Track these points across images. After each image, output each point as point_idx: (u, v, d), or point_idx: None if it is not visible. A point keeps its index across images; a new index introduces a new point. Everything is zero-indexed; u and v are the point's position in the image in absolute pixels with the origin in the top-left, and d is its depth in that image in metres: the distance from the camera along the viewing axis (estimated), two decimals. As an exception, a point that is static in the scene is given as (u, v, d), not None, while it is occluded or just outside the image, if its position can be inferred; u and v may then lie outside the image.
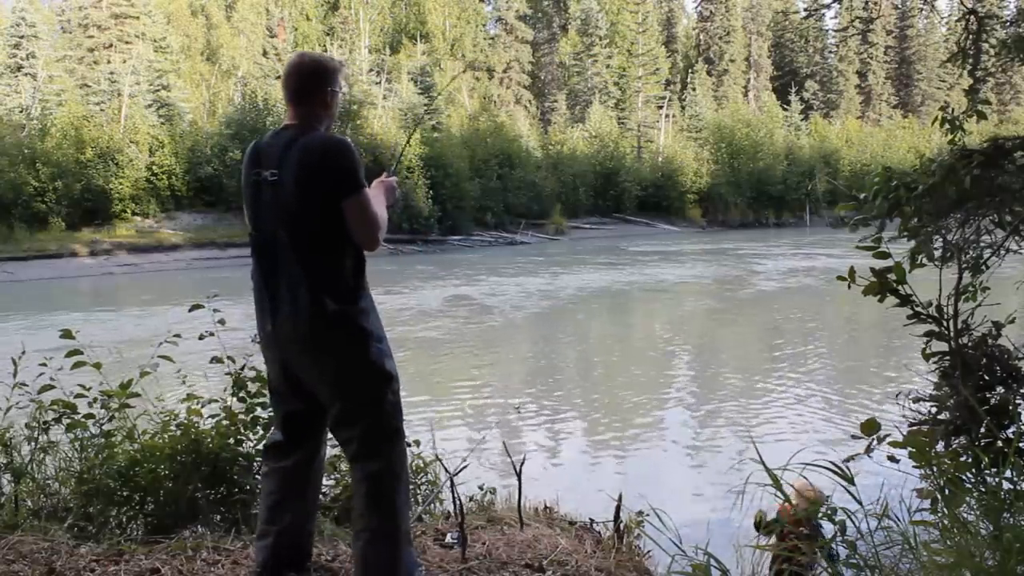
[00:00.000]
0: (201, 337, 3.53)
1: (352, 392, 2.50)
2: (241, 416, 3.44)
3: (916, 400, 3.12)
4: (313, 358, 2.48)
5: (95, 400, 3.44)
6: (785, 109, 60.36)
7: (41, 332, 13.24)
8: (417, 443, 3.78)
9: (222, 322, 3.48)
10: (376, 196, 2.66)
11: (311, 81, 2.55)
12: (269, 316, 2.50)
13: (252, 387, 3.46)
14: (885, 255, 2.85)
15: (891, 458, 2.42)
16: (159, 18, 44.85)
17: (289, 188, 2.42)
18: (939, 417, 3.01)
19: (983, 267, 3.07)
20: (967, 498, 2.21)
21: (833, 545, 2.20)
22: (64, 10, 42.91)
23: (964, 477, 2.41)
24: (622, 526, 3.48)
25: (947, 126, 3.31)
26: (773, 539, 3.05)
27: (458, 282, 22.93)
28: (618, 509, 3.50)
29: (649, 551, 3.42)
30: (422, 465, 3.80)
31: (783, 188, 50.69)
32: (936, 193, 2.95)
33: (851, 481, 2.23)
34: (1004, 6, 46.22)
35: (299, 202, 2.41)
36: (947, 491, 2.26)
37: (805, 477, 2.24)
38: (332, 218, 2.42)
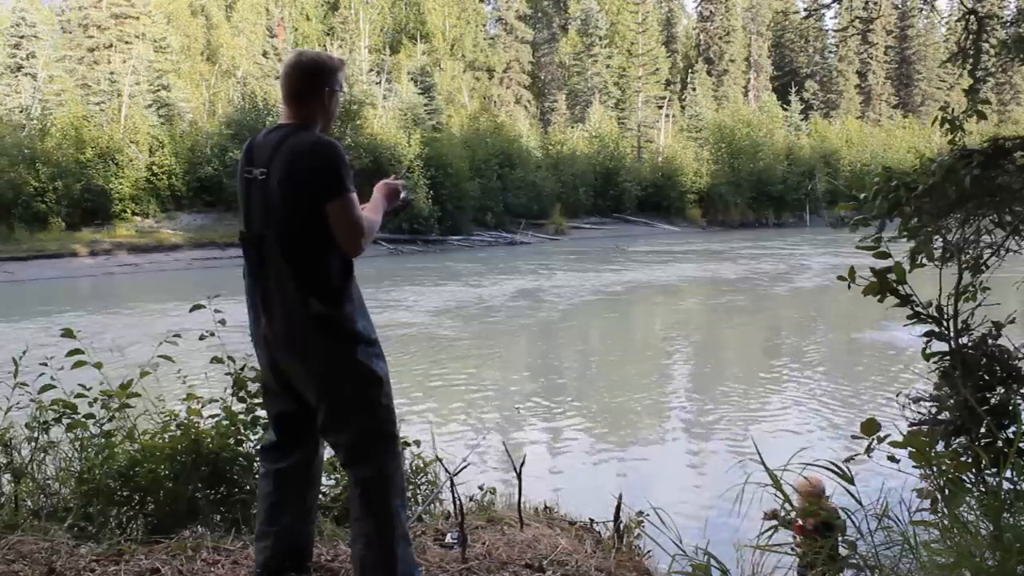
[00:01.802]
0: (201, 337, 3.53)
1: (337, 394, 2.47)
2: (241, 416, 3.44)
3: (916, 400, 3.12)
4: (300, 359, 2.46)
5: (95, 400, 3.43)
6: (785, 109, 60.37)
7: (41, 332, 13.24)
8: (417, 443, 3.79)
9: (223, 322, 3.48)
10: (374, 200, 2.64)
11: (308, 80, 2.50)
12: (259, 315, 2.49)
13: (252, 387, 3.46)
14: (885, 255, 2.85)
15: (891, 458, 2.42)
16: (159, 18, 44.83)
17: (275, 189, 2.40)
18: (939, 417, 3.01)
19: (983, 267, 3.06)
20: (967, 498, 2.21)
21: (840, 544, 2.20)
22: (64, 10, 42.87)
23: (964, 477, 2.41)
24: (622, 526, 3.48)
25: (947, 126, 3.31)
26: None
27: (458, 282, 22.93)
28: (618, 509, 3.50)
29: (649, 551, 3.42)
30: (422, 465, 3.80)
31: (783, 188, 50.64)
32: (936, 193, 2.95)
33: (851, 481, 2.24)
34: (1004, 6, 46.16)
35: (285, 203, 2.39)
36: (947, 491, 2.26)
37: (824, 470, 2.25)
38: (318, 220, 2.39)
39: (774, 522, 2.32)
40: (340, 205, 2.37)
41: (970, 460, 2.56)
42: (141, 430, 3.44)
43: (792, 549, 2.35)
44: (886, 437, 2.47)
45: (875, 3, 66.58)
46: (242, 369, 3.49)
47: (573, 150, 46.49)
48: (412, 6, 61.04)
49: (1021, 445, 2.11)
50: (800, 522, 2.92)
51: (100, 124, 32.52)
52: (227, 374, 3.52)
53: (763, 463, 2.14)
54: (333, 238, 2.41)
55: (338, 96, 2.57)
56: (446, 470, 3.60)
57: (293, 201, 2.39)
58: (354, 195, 2.41)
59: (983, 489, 2.26)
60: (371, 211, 2.58)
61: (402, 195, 2.73)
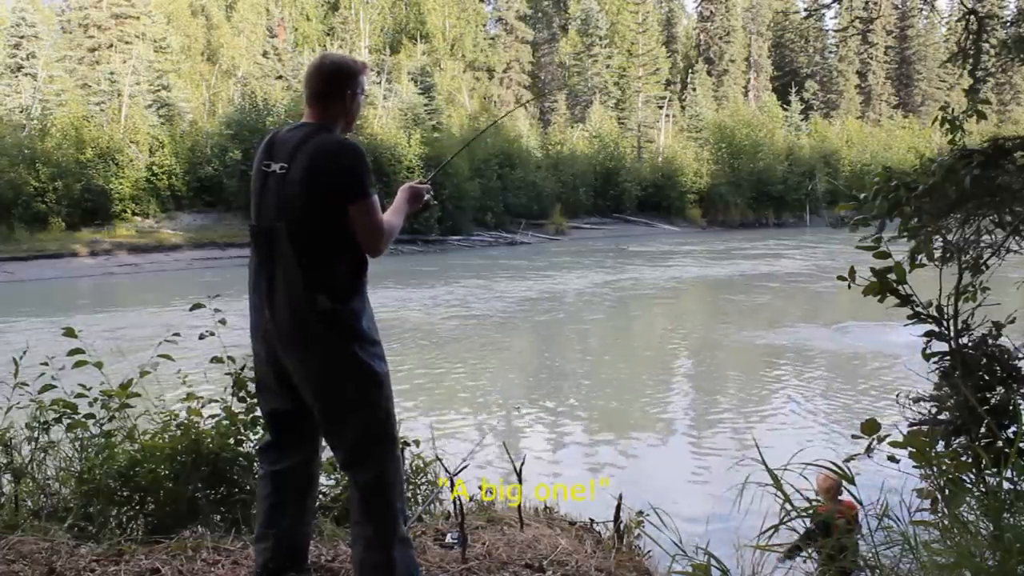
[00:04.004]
0: (201, 337, 3.53)
1: (338, 393, 2.46)
2: (241, 416, 3.44)
3: (916, 400, 3.12)
4: (301, 355, 2.45)
5: (95, 400, 3.43)
6: (785, 109, 60.35)
7: (41, 332, 13.24)
8: (417, 443, 3.78)
9: (223, 322, 3.48)
10: (397, 202, 2.71)
11: (331, 83, 2.55)
12: (263, 307, 2.48)
13: (252, 387, 3.45)
14: (885, 255, 2.85)
15: (891, 458, 2.42)
16: (159, 18, 44.82)
17: (295, 184, 2.42)
18: (939, 417, 3.01)
19: (983, 267, 3.07)
20: (967, 498, 2.21)
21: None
22: (64, 10, 42.88)
23: (964, 477, 2.41)
24: (622, 526, 3.48)
25: (947, 126, 3.31)
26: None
27: (457, 282, 22.93)
28: (618, 509, 3.50)
29: (649, 551, 3.42)
30: (422, 465, 3.80)
31: (783, 188, 50.66)
32: (936, 193, 2.95)
33: (851, 481, 2.24)
34: (1004, 6, 46.24)
35: (303, 199, 2.42)
36: (947, 491, 2.26)
37: (839, 470, 2.25)
38: (333, 219, 2.42)
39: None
40: (362, 208, 2.42)
41: (970, 460, 2.56)
42: (141, 430, 3.44)
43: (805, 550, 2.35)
44: (886, 437, 2.46)
45: (875, 3, 66.56)
46: (242, 369, 3.49)
47: (573, 150, 46.48)
48: (412, 6, 61.01)
49: (1021, 445, 2.10)
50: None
51: (100, 124, 32.52)
52: (227, 374, 3.52)
53: (764, 463, 2.14)
54: (346, 239, 2.44)
55: (360, 99, 2.62)
56: (446, 470, 3.59)
57: (312, 199, 2.41)
58: (376, 198, 2.47)
59: (983, 489, 2.26)
60: (392, 214, 2.63)
61: (425, 198, 2.80)
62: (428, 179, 2.92)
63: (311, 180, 2.40)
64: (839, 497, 3.75)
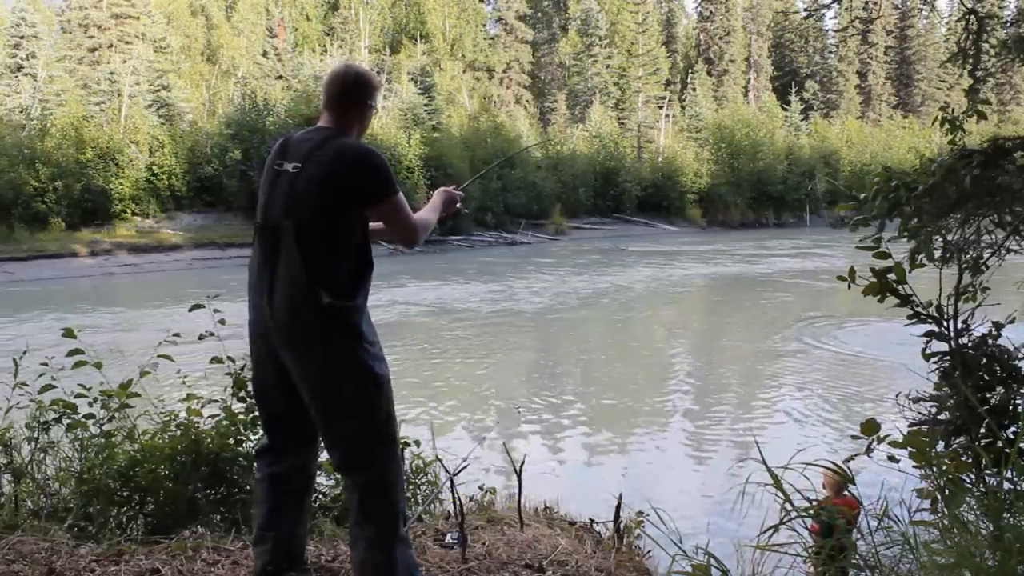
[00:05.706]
0: (201, 337, 3.53)
1: (336, 393, 2.45)
2: (241, 416, 3.44)
3: (916, 400, 3.12)
4: (300, 353, 2.45)
5: (95, 400, 3.43)
6: (785, 109, 60.33)
7: (41, 332, 13.24)
8: (417, 443, 3.78)
9: (222, 322, 3.48)
10: (433, 202, 2.86)
11: (352, 92, 2.62)
12: (264, 304, 2.48)
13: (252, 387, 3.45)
14: (885, 255, 2.85)
15: (891, 458, 2.42)
16: (159, 18, 44.86)
17: (308, 182, 2.45)
18: (939, 417, 3.01)
19: (983, 267, 3.07)
20: (967, 498, 2.21)
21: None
22: (64, 10, 42.91)
23: (964, 477, 2.41)
24: (622, 526, 3.48)
25: (947, 126, 3.31)
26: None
27: (457, 282, 22.93)
28: (618, 509, 3.50)
29: (649, 551, 3.42)
30: (422, 465, 3.80)
31: (783, 188, 50.64)
32: (936, 193, 2.96)
33: (851, 481, 2.24)
34: (1004, 6, 46.24)
35: (318, 199, 2.44)
36: (947, 491, 2.26)
37: (839, 470, 2.25)
38: (344, 220, 2.45)
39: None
40: (393, 206, 2.54)
41: (970, 460, 2.56)
42: (141, 430, 3.44)
43: (806, 549, 2.34)
44: (886, 437, 2.46)
45: (875, 3, 66.58)
46: (242, 369, 3.49)
47: (573, 150, 46.49)
48: (412, 6, 61.03)
49: (1021, 445, 2.10)
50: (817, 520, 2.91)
51: (100, 124, 32.51)
52: (227, 374, 3.52)
53: (764, 463, 2.14)
54: (353, 240, 2.48)
55: (372, 112, 2.71)
56: (446, 470, 3.59)
57: (326, 198, 2.44)
58: (402, 195, 2.57)
59: (983, 489, 2.26)
60: (428, 211, 2.78)
61: (458, 205, 2.94)
62: (461, 187, 3.00)
63: (330, 181, 2.44)
64: (843, 493, 3.75)
